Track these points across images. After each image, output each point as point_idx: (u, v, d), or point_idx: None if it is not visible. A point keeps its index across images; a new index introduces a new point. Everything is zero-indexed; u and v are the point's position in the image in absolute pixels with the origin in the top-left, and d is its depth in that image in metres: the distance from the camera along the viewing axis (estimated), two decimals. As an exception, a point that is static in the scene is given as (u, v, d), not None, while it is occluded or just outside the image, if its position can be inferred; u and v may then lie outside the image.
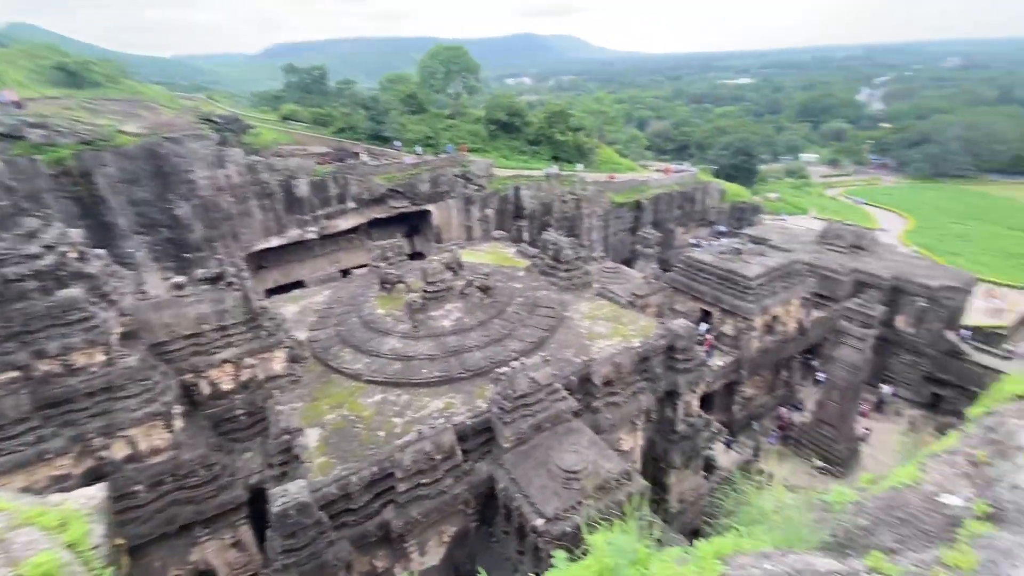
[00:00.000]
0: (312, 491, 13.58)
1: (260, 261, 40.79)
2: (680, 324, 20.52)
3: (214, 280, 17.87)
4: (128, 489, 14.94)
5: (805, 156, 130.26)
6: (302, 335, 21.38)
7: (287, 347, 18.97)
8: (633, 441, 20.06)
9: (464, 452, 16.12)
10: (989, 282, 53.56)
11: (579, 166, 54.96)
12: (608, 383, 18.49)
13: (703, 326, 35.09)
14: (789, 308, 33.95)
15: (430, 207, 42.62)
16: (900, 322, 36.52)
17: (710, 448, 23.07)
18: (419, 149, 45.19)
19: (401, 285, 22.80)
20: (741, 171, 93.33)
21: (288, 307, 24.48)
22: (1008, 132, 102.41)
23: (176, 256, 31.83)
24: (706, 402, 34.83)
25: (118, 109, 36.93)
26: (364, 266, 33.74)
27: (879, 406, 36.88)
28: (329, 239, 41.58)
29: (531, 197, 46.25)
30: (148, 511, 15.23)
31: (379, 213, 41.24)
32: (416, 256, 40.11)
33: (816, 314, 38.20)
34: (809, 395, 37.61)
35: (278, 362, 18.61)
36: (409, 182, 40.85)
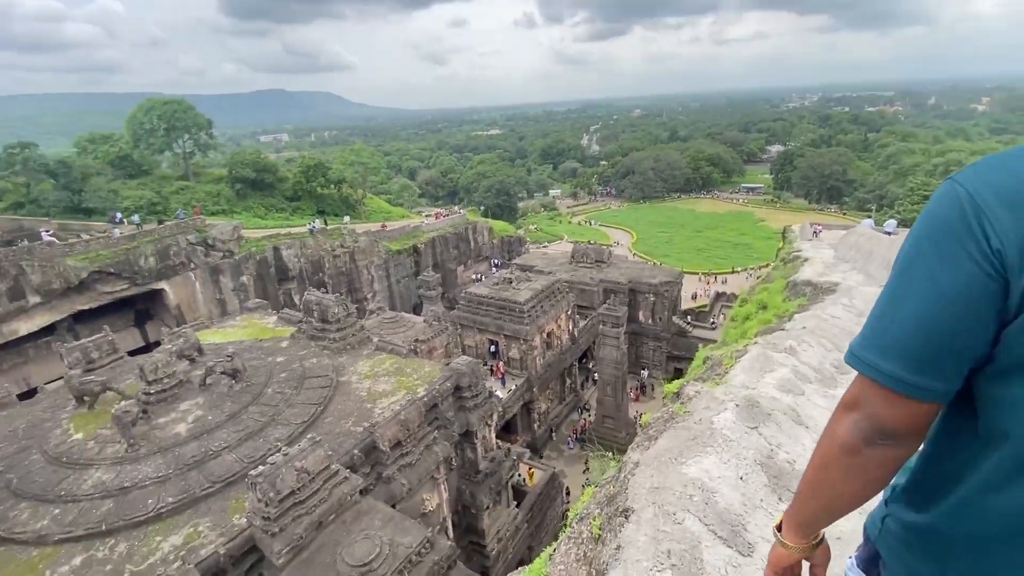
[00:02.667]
0: None
1: None
2: (462, 361, 20.36)
3: None
4: None
5: (553, 191, 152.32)
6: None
7: None
8: (438, 497, 18.80)
9: (222, 591, 12.56)
10: (692, 273, 69.53)
11: (346, 218, 52.88)
12: (397, 444, 16.96)
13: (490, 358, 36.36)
14: (559, 323, 37.68)
15: (162, 285, 34.91)
16: (641, 316, 44.02)
17: (514, 475, 23.26)
18: (135, 218, 36.96)
19: (110, 394, 17.43)
20: (504, 209, 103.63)
21: (-89, 467, 16.36)
22: (679, 161, 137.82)
23: None
24: (509, 428, 35.99)
25: None
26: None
27: (643, 389, 43.49)
28: (8, 349, 30.39)
29: (295, 256, 42.16)
30: None
31: (84, 304, 31.92)
32: (153, 348, 32.16)
33: (582, 323, 43.42)
34: (594, 396, 42.17)
35: None
36: (124, 259, 32.75)
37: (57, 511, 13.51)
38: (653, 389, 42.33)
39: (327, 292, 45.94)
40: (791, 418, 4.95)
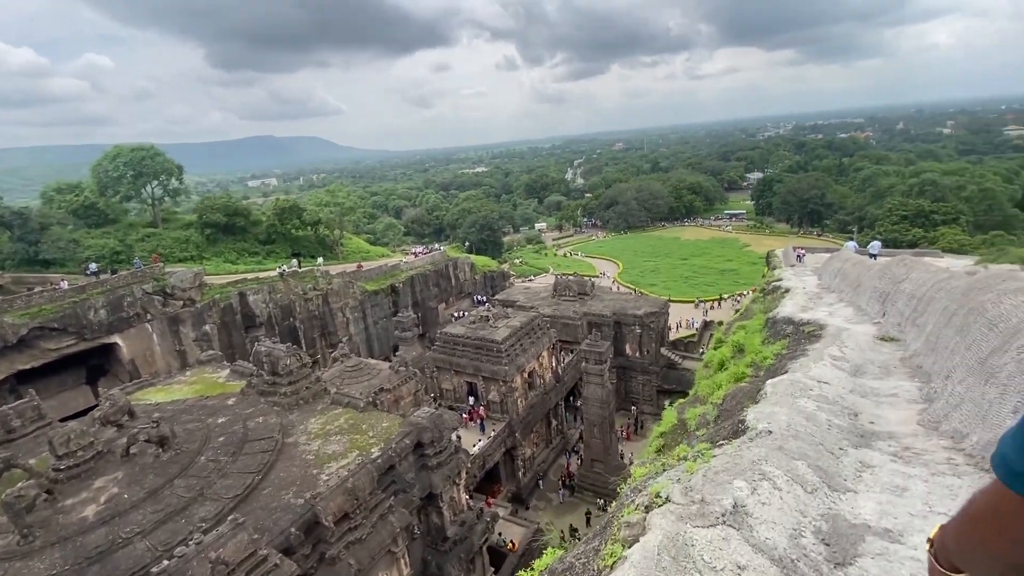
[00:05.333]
0: None
1: None
2: (423, 414, 18.40)
3: None
4: None
5: (538, 225, 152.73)
6: None
7: None
8: (397, 573, 16.48)
9: None
10: (678, 302, 68.32)
11: (319, 260, 51.31)
12: (344, 517, 14.80)
13: (471, 399, 34.27)
14: (541, 361, 35.81)
15: (115, 339, 32.69)
16: (628, 349, 42.29)
17: (488, 538, 20.92)
18: (92, 267, 35.06)
19: (14, 471, 15.20)
20: (489, 244, 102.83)
21: None
22: (662, 191, 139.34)
23: None
24: (492, 477, 33.50)
25: None
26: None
27: (635, 426, 41.27)
28: (-65, 417, 27.71)
29: (264, 301, 40.26)
30: None
31: (25, 363, 29.58)
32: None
33: (566, 359, 41.55)
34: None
35: None
36: (72, 312, 30.65)
37: (-84, 628, 11.17)
38: (643, 426, 40.15)
39: (300, 336, 43.96)
40: None
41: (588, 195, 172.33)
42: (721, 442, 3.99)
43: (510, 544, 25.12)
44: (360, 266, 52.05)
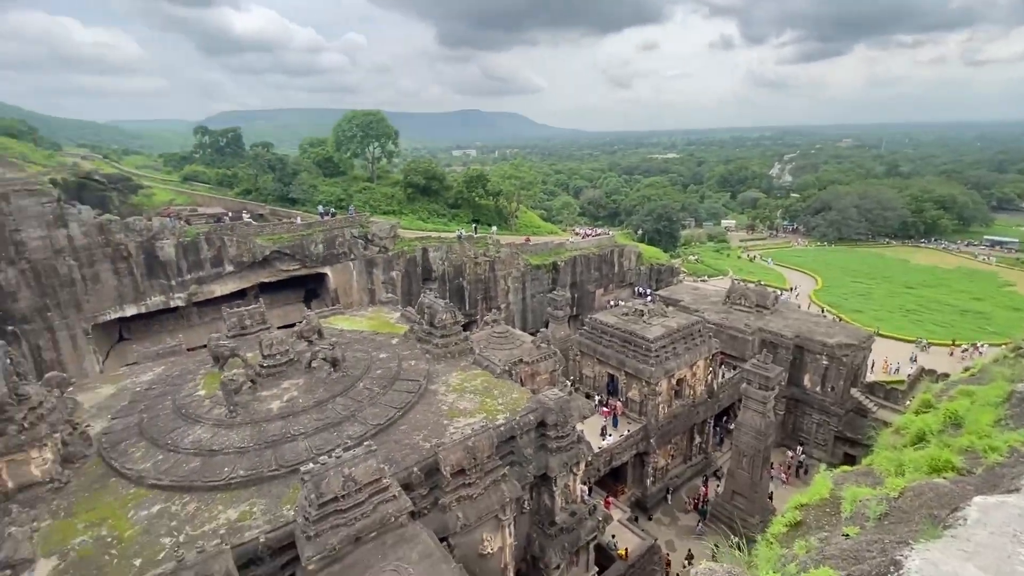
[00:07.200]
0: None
1: (121, 332, 35.78)
2: (551, 395, 18.22)
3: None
4: None
5: (725, 222, 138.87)
6: (100, 425, 17.37)
7: (55, 444, 14.94)
8: (500, 540, 16.88)
9: (256, 581, 12.50)
10: (890, 338, 55.82)
11: (493, 228, 54.32)
12: (460, 472, 15.55)
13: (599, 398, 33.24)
14: (695, 370, 32.78)
15: (325, 270, 39.60)
16: (807, 381, 36.19)
17: (597, 537, 20.13)
18: (321, 208, 42.76)
19: (236, 359, 19.40)
20: (663, 235, 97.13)
21: (102, 390, 20.31)
22: (895, 201, 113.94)
23: (-5, 329, 26.77)
24: (618, 475, 32.28)
25: (-44, 163, 32.51)
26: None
27: (799, 470, 35.53)
28: (208, 306, 37.33)
29: (441, 259, 44.37)
30: None
31: (266, 277, 37.70)
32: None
33: (727, 375, 37.40)
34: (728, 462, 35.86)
35: (36, 464, 14.47)
36: (299, 243, 37.92)
37: (160, 457, 15.10)
38: (807, 472, 34.25)
39: (466, 296, 47.64)
40: None
41: (794, 195, 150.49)
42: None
43: (622, 551, 23.98)
44: (528, 240, 53.79)
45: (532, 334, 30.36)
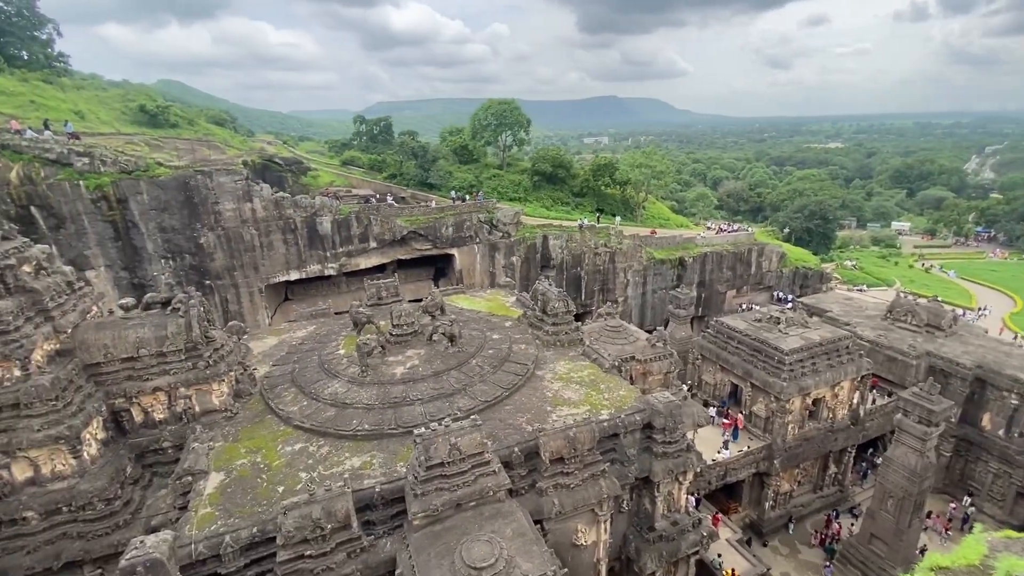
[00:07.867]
0: (177, 546, 12.04)
1: (286, 293, 41.92)
2: (661, 398, 17.42)
3: (164, 304, 17.66)
4: (19, 515, 14.25)
5: (897, 224, 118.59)
6: (263, 369, 20.69)
7: (231, 380, 18.17)
8: (595, 535, 16.77)
9: (369, 524, 14.02)
10: None
11: (617, 219, 52.87)
12: (559, 460, 15.70)
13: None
14: (837, 391, 28.90)
15: (453, 251, 42.17)
16: (986, 421, 29.87)
17: (700, 552, 18.96)
18: (454, 194, 45.46)
19: (370, 325, 21.63)
20: (815, 235, 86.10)
21: (267, 340, 24.11)
22: None
23: (198, 282, 33.35)
24: (732, 492, 29.96)
25: (181, 146, 40.60)
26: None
27: (963, 523, 29.69)
28: (354, 276, 42.09)
29: (560, 247, 44.54)
30: (36, 541, 14.39)
31: (403, 254, 41.33)
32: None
33: (878, 401, 32.45)
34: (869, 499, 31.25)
35: (216, 395, 17.74)
36: (432, 225, 40.83)
37: (304, 403, 17.55)
38: (972, 528, 28.31)
39: (582, 286, 47.38)
40: None
41: (995, 196, 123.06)
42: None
43: (728, 571, 22.35)
44: (654, 232, 51.48)
45: (649, 331, 29.19)
